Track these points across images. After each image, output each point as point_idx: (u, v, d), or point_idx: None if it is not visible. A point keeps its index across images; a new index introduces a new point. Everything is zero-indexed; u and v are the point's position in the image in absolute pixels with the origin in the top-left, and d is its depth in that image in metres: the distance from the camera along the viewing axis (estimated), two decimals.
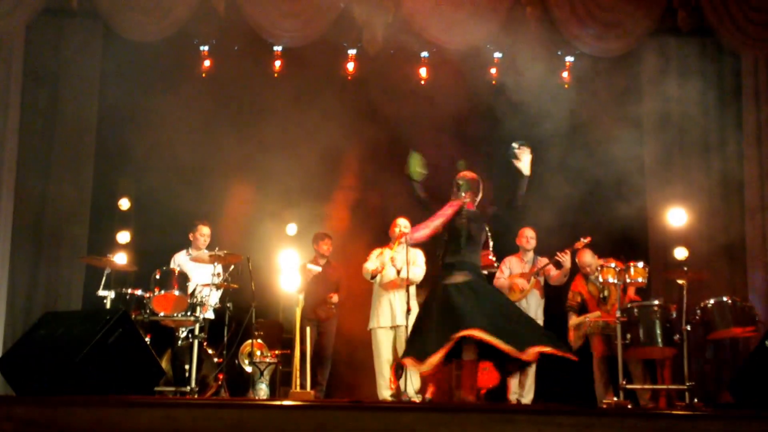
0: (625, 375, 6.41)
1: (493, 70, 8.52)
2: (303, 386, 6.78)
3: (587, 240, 6.98)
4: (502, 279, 7.16)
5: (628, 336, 6.42)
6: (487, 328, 5.02)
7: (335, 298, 7.49)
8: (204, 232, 7.31)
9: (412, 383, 6.53)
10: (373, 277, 6.98)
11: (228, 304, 6.93)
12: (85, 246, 8.03)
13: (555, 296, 7.36)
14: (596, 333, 6.96)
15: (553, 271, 7.11)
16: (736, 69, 8.19)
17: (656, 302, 6.60)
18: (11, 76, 7.82)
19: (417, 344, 5.25)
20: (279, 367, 7.57)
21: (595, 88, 8.35)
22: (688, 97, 8.26)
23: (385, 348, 6.84)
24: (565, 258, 6.92)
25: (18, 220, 7.85)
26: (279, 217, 8.81)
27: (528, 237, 7.21)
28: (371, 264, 6.97)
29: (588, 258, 7.09)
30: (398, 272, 6.69)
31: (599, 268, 6.63)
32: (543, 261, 7.15)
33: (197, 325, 6.58)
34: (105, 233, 8.23)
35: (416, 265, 6.86)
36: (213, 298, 7.01)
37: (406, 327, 6.26)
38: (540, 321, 6.97)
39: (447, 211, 5.46)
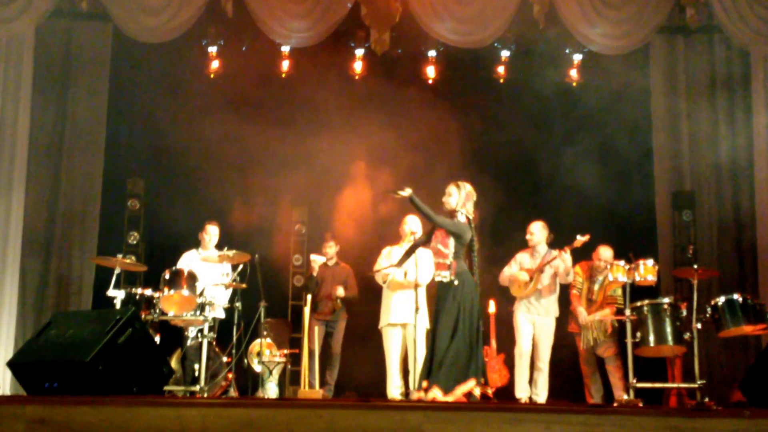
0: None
1: (501, 69, 8.50)
2: (312, 385, 6.80)
3: (586, 238, 6.78)
4: (508, 272, 7.00)
5: (638, 334, 6.39)
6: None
7: (340, 291, 7.44)
8: (211, 231, 7.31)
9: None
10: (384, 281, 6.94)
11: (237, 304, 6.94)
12: (95, 246, 8.10)
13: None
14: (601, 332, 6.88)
15: (561, 267, 6.91)
16: (745, 66, 8.14)
17: (666, 300, 6.54)
18: (22, 77, 7.88)
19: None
20: (288, 366, 7.59)
21: (603, 86, 8.32)
22: (697, 93, 8.22)
23: (394, 346, 6.77)
24: (564, 256, 6.71)
25: (29, 221, 7.93)
26: (288, 216, 8.83)
27: (530, 232, 6.97)
28: (379, 274, 6.87)
29: (606, 254, 6.88)
30: (405, 275, 6.61)
31: (608, 266, 6.54)
32: (552, 255, 7.02)
33: (206, 325, 6.59)
34: (115, 233, 8.27)
35: (424, 268, 6.73)
36: (222, 297, 7.03)
37: (415, 326, 6.25)
38: (554, 315, 6.88)
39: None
